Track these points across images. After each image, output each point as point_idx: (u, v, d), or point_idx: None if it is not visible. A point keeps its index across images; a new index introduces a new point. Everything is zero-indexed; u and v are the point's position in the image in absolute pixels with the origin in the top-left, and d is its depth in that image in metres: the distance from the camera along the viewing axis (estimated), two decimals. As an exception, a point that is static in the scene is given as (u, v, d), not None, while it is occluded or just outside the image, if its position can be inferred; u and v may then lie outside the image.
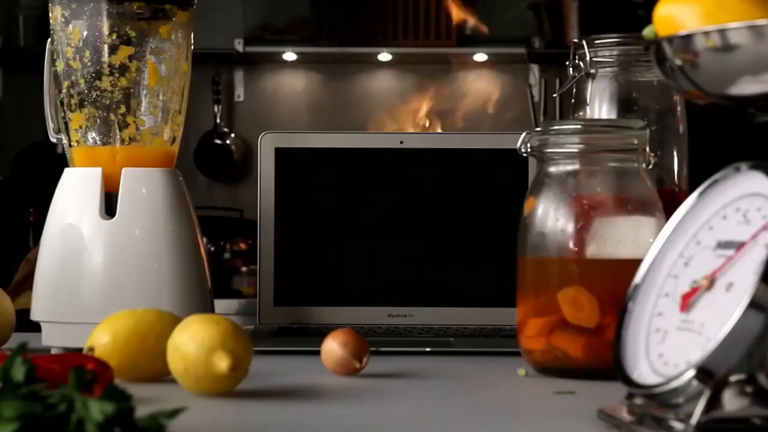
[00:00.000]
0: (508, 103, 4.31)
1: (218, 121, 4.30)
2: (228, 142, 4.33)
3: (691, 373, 0.83)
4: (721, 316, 0.83)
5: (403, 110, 3.88)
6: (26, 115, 4.21)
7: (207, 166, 4.28)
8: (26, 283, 2.79)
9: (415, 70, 4.34)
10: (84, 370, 0.79)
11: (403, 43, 4.18)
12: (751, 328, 0.81)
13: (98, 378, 0.92)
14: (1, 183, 4.00)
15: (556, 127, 1.20)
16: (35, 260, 2.85)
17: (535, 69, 4.25)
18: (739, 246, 0.87)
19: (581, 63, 1.39)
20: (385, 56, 4.25)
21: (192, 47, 1.46)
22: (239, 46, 4.19)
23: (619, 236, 1.17)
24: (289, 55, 4.25)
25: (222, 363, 1.02)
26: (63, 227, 1.37)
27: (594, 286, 1.16)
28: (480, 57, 4.26)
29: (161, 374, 1.11)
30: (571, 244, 1.18)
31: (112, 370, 1.00)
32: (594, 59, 1.39)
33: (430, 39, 4.18)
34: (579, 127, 1.21)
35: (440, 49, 4.18)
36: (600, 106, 1.39)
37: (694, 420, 0.83)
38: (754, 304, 0.81)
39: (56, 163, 3.81)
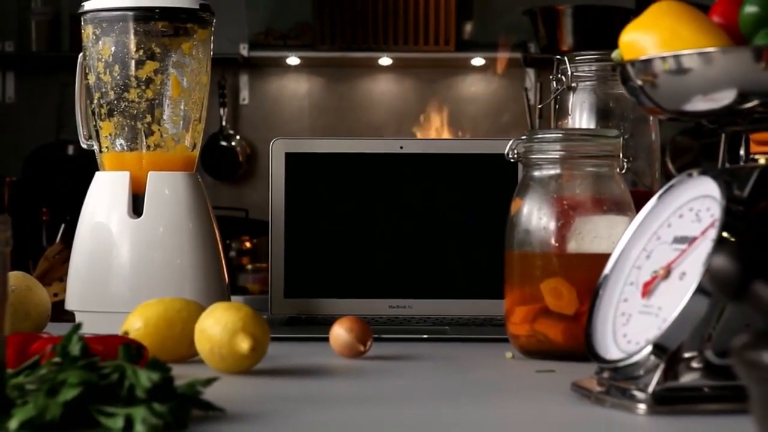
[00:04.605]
0: (505, 107, 4.40)
1: (224, 123, 4.35)
2: (233, 143, 4.37)
3: (649, 349, 0.95)
4: (675, 300, 0.95)
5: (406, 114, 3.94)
6: (38, 118, 4.30)
7: (213, 167, 4.33)
8: (45, 278, 2.91)
9: (414, 74, 4.41)
10: (131, 346, 0.92)
11: (403, 47, 4.23)
12: (699, 310, 0.93)
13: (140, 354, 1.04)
14: (14, 184, 4.04)
15: (539, 136, 1.30)
16: (53, 257, 2.96)
17: (530, 73, 4.30)
18: (691, 240, 0.99)
19: (563, 77, 1.50)
20: (385, 60, 4.30)
21: (210, 61, 1.56)
22: (244, 50, 4.23)
23: (596, 233, 1.27)
24: (293, 60, 4.30)
25: (244, 344, 1.12)
26: (94, 226, 1.47)
27: (573, 277, 1.26)
28: (477, 61, 4.34)
29: (187, 356, 1.21)
30: (552, 240, 1.27)
31: (147, 350, 1.11)
32: (575, 74, 1.49)
33: (429, 44, 4.24)
34: (560, 135, 1.30)
35: (439, 54, 4.25)
36: (581, 116, 1.49)
37: (651, 389, 0.95)
38: (701, 290, 0.93)
39: (67, 164, 3.89)
